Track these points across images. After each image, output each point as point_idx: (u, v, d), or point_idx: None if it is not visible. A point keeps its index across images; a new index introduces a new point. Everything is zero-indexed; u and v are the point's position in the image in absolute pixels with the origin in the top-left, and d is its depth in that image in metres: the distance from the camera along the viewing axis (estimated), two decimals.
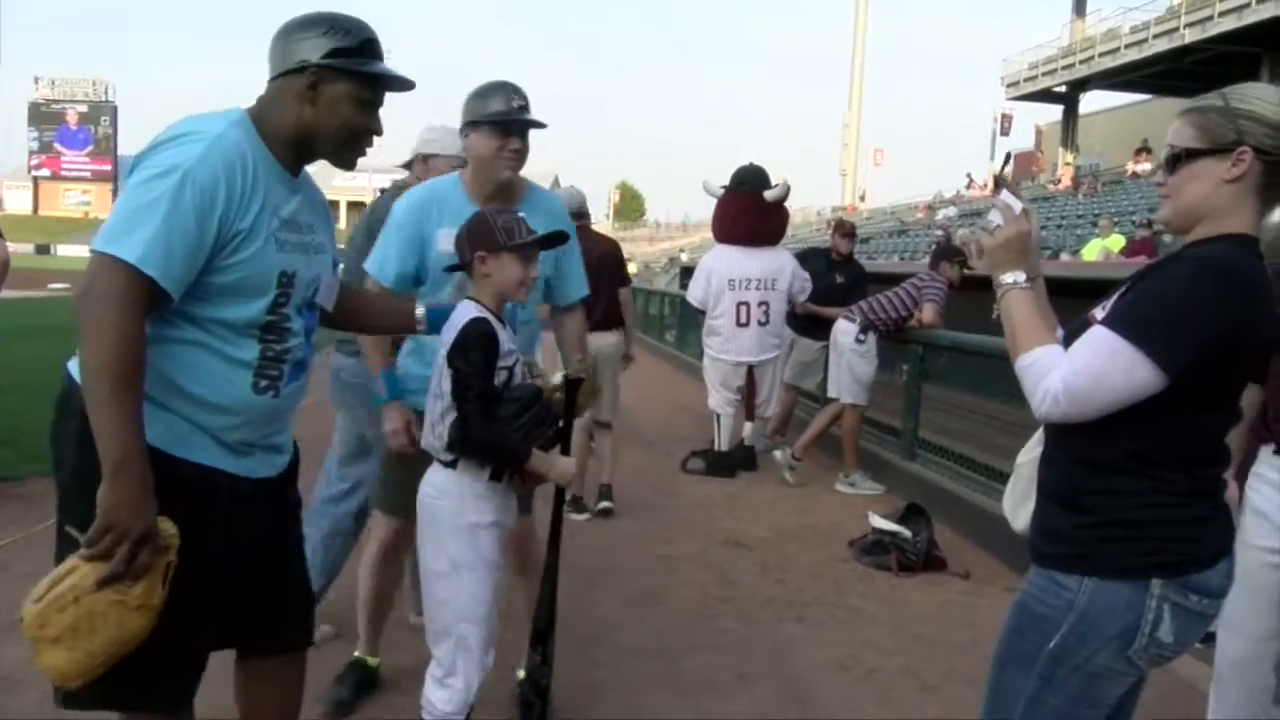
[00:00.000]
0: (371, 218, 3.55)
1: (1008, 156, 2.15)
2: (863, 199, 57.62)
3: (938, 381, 6.83)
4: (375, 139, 2.10)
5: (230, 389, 1.97)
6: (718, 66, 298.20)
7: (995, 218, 1.91)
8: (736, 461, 7.30)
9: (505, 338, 2.41)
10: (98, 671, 1.81)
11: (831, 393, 6.89)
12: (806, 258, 7.88)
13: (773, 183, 7.15)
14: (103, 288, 1.75)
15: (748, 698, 3.48)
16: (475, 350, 2.32)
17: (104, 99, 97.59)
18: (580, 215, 5.64)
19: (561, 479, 2.53)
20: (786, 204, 7.35)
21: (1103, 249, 15.17)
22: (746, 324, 7.03)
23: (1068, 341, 1.79)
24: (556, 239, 2.58)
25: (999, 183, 1.99)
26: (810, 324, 7.42)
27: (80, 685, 1.84)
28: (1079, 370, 1.69)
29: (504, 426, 2.34)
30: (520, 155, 2.95)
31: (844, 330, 6.72)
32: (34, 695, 3.16)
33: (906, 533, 5.09)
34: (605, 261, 5.77)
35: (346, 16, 2.04)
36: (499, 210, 2.52)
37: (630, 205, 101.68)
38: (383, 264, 3.00)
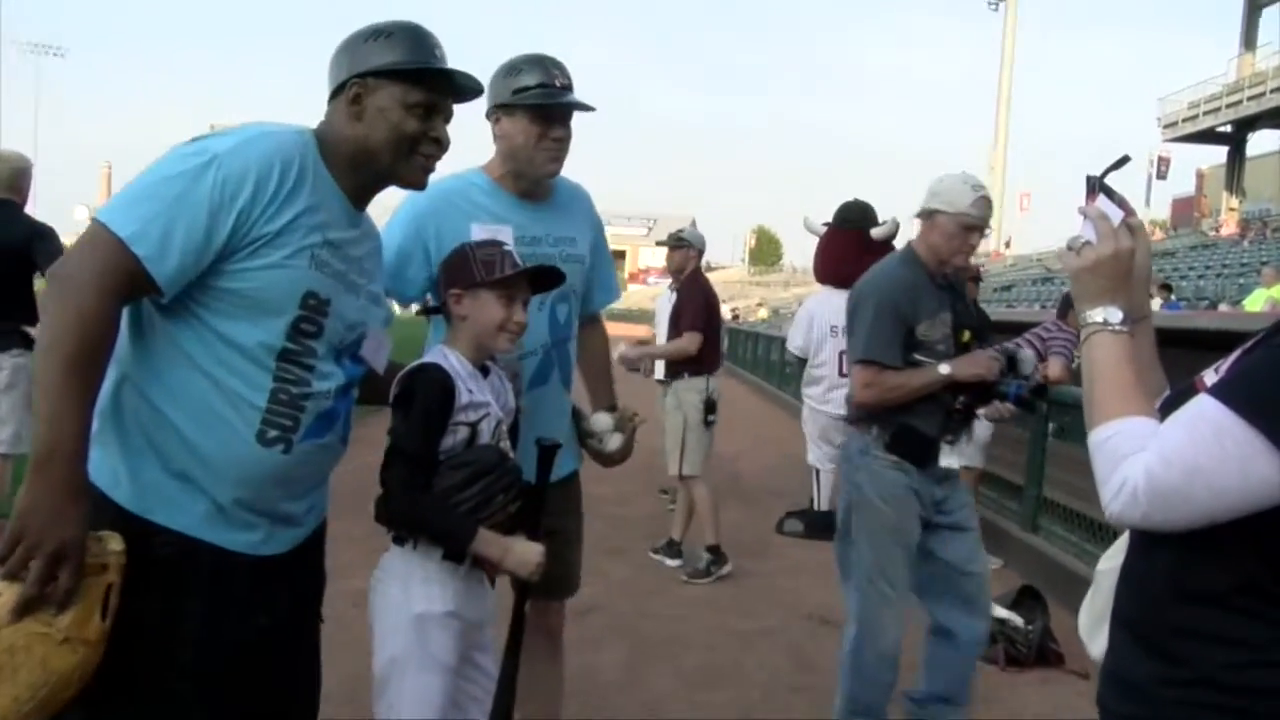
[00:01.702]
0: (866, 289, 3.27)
1: (1120, 160, 1.57)
2: (1008, 245, 55.48)
3: (1065, 440, 6.08)
4: (444, 148, 1.84)
5: (228, 432, 1.65)
6: (856, 107, 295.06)
7: (1087, 231, 1.42)
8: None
9: (474, 388, 2.01)
10: None
11: None
12: None
13: (880, 219, 6.59)
14: (82, 258, 1.57)
15: None
16: (417, 404, 1.93)
17: None
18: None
19: (520, 567, 2.02)
20: (896, 243, 6.76)
21: (1268, 299, 13.84)
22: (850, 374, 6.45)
23: (1164, 414, 1.27)
24: (550, 277, 2.17)
25: (1093, 185, 1.47)
26: None
27: None
28: (1169, 457, 1.18)
29: (432, 500, 1.93)
30: (564, 144, 2.43)
31: None
32: None
33: (1018, 620, 4.43)
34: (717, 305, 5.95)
35: (391, 21, 1.80)
36: (482, 241, 2.13)
37: (767, 249, 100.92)
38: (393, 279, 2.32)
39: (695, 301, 5.73)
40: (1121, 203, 1.48)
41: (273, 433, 1.68)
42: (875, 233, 6.47)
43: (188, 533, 1.65)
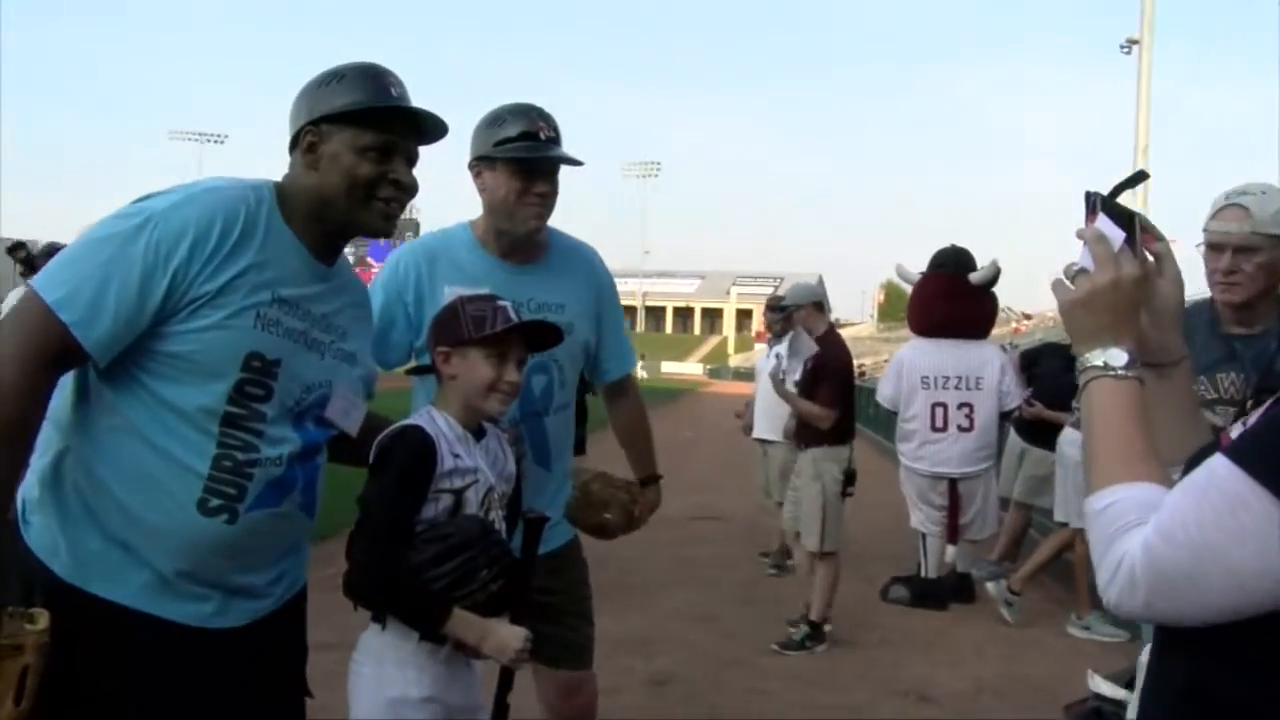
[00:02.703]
0: None
1: (1135, 176, 1.33)
2: None
3: None
4: (408, 192, 1.75)
5: (167, 500, 1.58)
6: (985, 160, 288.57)
7: (1084, 259, 1.21)
8: (947, 591, 6.29)
9: (463, 452, 1.89)
10: None
11: (1058, 516, 5.77)
12: (1040, 356, 6.93)
13: (979, 265, 6.25)
14: (9, 327, 1.54)
15: None
16: (391, 469, 1.81)
17: (408, 215, 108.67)
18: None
19: (500, 653, 1.83)
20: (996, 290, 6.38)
21: None
22: (944, 428, 6.07)
23: (1185, 475, 1.05)
24: (546, 334, 2.03)
25: (1093, 204, 1.24)
26: (1044, 431, 6.36)
27: None
28: (1172, 531, 0.96)
29: (401, 576, 1.79)
30: (548, 201, 2.33)
31: (1071, 440, 5.61)
32: None
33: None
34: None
35: (348, 63, 1.73)
36: (474, 295, 2.01)
37: (896, 305, 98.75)
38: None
39: (837, 375, 5.22)
40: (1145, 225, 1.26)
41: (215, 501, 1.61)
42: (974, 277, 6.16)
43: (127, 604, 1.58)
